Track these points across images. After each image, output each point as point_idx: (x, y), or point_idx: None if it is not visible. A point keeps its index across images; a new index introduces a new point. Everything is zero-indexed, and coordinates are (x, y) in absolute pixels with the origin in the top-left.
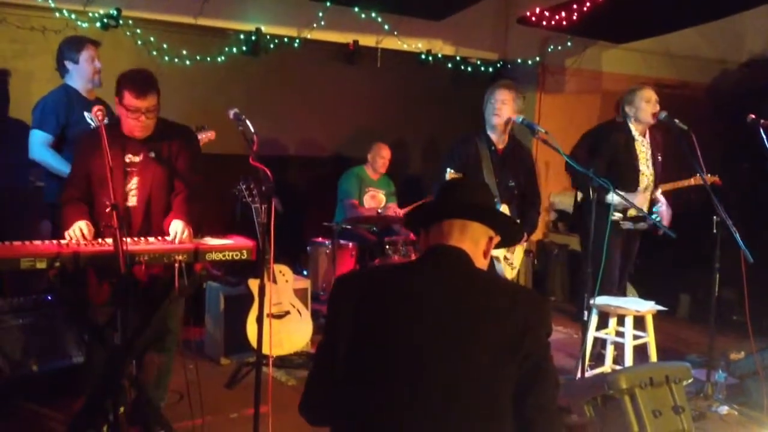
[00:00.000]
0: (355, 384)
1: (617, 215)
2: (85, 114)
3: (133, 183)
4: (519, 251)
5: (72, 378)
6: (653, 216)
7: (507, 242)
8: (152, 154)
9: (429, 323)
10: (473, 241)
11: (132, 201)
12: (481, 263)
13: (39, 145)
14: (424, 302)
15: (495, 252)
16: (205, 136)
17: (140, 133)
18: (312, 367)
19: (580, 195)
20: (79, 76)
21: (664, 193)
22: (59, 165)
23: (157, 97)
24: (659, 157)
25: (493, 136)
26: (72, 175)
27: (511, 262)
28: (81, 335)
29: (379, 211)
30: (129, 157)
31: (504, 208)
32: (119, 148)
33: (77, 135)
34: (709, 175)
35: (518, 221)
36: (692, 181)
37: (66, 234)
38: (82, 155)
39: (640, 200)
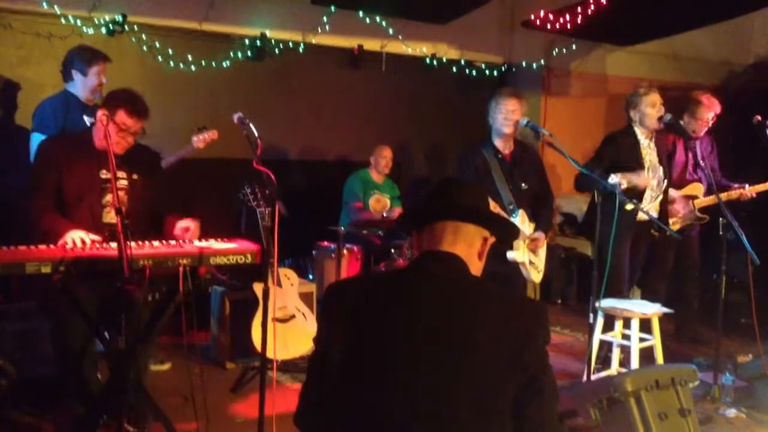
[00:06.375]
0: (349, 394)
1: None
2: (85, 117)
3: (109, 199)
4: (542, 254)
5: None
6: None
7: (503, 242)
8: (135, 176)
9: (424, 333)
10: (467, 243)
11: (108, 217)
12: (476, 265)
13: None
14: (418, 312)
15: (520, 258)
16: (207, 136)
17: (120, 150)
18: (306, 377)
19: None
20: (83, 86)
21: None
22: None
23: (146, 120)
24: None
25: (499, 144)
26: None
27: (537, 266)
28: (65, 342)
29: (384, 214)
30: (104, 173)
31: (522, 214)
32: (94, 162)
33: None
34: None
35: (513, 222)
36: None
37: (65, 239)
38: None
39: (649, 203)
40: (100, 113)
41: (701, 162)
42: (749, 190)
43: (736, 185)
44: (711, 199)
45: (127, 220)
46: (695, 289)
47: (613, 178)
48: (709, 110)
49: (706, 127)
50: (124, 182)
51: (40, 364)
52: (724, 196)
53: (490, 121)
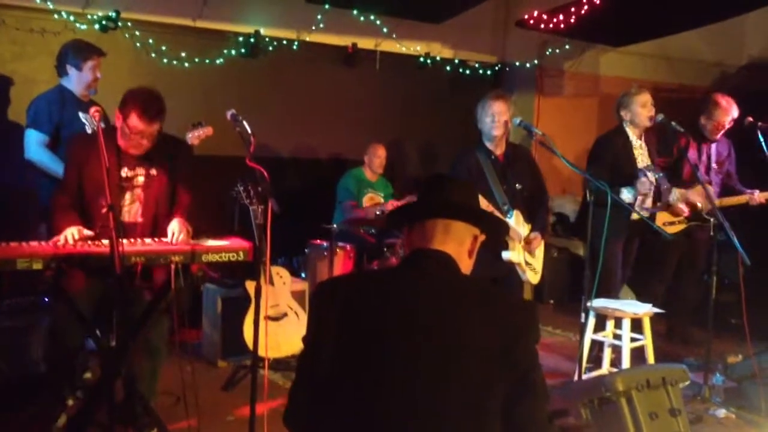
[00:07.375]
0: (339, 393)
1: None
2: (80, 114)
3: (128, 198)
4: (539, 255)
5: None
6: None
7: (494, 240)
8: (153, 171)
9: (414, 332)
10: (457, 241)
11: (126, 216)
12: (466, 263)
13: (35, 144)
14: (412, 311)
15: (516, 258)
16: (202, 132)
17: (135, 152)
18: (295, 377)
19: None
20: (78, 82)
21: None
22: (55, 165)
23: (162, 122)
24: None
25: (491, 145)
26: (64, 179)
27: (534, 267)
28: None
29: (378, 212)
30: (125, 171)
31: (517, 215)
32: (115, 160)
33: (71, 135)
34: None
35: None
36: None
37: (59, 237)
38: (75, 160)
39: (642, 202)
40: (92, 110)
41: (714, 165)
42: (759, 196)
43: (747, 190)
44: (721, 201)
45: (141, 219)
46: (695, 293)
47: (626, 194)
48: (727, 114)
49: (723, 130)
50: (141, 179)
51: (31, 362)
52: (733, 200)
53: (479, 126)
